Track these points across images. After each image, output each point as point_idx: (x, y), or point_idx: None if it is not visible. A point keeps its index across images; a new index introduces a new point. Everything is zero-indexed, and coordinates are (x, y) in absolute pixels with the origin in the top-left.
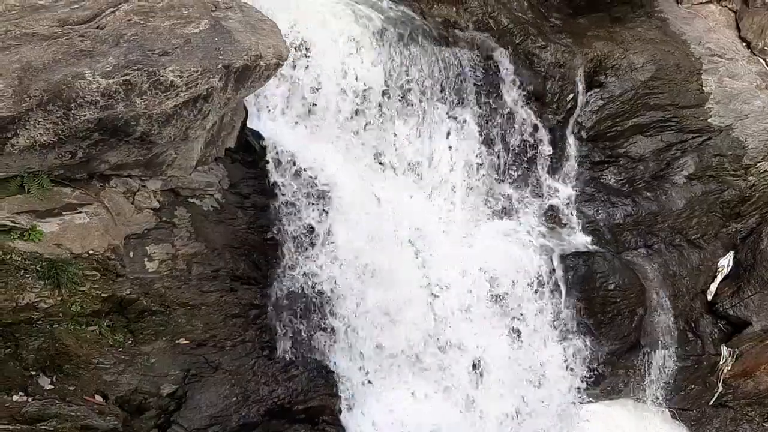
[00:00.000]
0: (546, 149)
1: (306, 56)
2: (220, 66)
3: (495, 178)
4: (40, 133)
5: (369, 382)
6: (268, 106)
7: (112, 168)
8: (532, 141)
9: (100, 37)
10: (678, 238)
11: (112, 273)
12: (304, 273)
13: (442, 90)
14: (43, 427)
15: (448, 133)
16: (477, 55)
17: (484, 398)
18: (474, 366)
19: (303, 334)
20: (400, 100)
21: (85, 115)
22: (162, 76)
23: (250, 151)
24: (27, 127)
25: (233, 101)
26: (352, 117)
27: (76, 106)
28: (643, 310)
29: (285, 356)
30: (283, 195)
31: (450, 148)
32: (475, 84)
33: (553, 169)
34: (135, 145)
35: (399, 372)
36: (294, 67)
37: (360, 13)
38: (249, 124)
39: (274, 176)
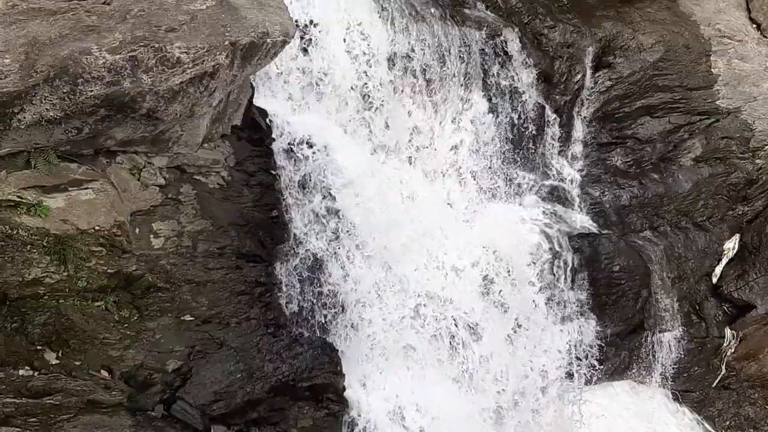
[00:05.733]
0: (553, 130)
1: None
2: (226, 43)
3: (501, 158)
4: (46, 109)
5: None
6: None
7: (118, 144)
8: (539, 121)
9: (107, 12)
10: (684, 221)
11: (118, 249)
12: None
13: (450, 69)
14: (48, 401)
15: (455, 113)
16: (485, 35)
17: (481, 377)
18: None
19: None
20: (407, 80)
21: (91, 91)
22: (168, 53)
23: (256, 129)
24: (34, 102)
25: (239, 78)
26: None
27: (82, 82)
28: (647, 292)
29: (290, 332)
30: None
31: (456, 127)
32: (482, 64)
33: (560, 150)
34: (141, 121)
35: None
36: None
37: None
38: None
39: None
